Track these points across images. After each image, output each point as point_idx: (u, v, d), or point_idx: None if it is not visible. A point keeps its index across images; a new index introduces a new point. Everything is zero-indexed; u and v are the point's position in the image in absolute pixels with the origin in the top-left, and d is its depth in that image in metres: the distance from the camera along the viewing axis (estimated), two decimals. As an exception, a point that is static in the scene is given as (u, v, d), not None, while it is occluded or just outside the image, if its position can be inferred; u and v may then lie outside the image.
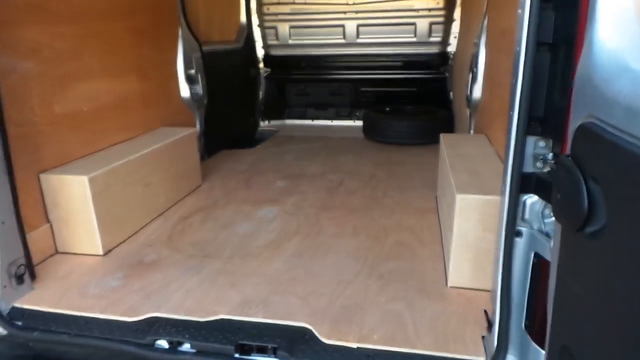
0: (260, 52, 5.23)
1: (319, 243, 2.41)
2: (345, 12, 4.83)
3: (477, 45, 3.17)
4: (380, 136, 4.42)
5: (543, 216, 1.37)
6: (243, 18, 4.90)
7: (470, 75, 3.34)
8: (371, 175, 3.51)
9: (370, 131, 4.56)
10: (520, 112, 1.30)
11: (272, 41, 5.17)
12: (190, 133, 3.19)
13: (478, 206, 1.84)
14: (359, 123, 5.24)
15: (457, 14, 4.62)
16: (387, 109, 4.84)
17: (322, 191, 3.18)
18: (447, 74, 4.90)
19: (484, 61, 3.07)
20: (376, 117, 4.47)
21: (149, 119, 3.16)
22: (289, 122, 5.52)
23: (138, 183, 2.58)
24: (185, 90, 3.62)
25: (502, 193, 1.43)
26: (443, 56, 4.84)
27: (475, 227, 1.86)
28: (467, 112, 3.51)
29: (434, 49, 4.84)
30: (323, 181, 3.40)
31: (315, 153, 4.18)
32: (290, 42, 5.12)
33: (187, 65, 3.63)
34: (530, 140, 1.34)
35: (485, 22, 3.07)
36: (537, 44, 1.25)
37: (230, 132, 4.62)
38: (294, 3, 4.93)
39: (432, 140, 4.33)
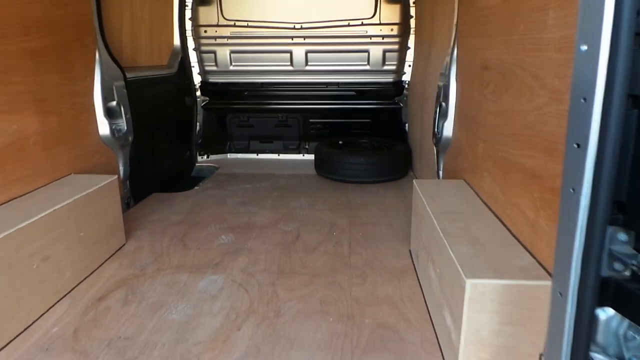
0: (197, 79, 4.66)
1: (279, 330, 1.87)
2: (292, 38, 4.41)
3: (446, 77, 2.84)
4: (336, 174, 3.98)
5: (626, 339, 0.95)
6: (177, 41, 4.33)
7: (438, 110, 3.00)
8: (331, 223, 3.04)
9: (323, 168, 4.11)
10: (599, 194, 0.88)
11: (210, 67, 4.63)
12: (109, 182, 2.55)
13: (495, 294, 1.41)
14: (309, 157, 4.82)
15: (411, 41, 4.35)
16: (340, 142, 4.44)
17: (276, 248, 2.66)
18: (401, 105, 4.61)
19: (455, 96, 2.74)
20: (330, 152, 4.03)
21: (54, 164, 2.50)
22: (231, 156, 4.96)
23: (32, 258, 1.92)
24: (104, 127, 2.98)
25: (555, 304, 1.00)
26: (398, 85, 4.55)
27: (492, 320, 1.43)
28: (434, 149, 3.16)
29: (389, 78, 4.53)
30: (276, 233, 2.88)
31: (263, 195, 3.65)
32: (231, 68, 4.60)
33: (107, 96, 3.00)
34: (607, 232, 0.93)
35: (455, 52, 2.75)
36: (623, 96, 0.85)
37: (162, 172, 3.98)
38: (234, 26, 4.44)
39: (391, 177, 3.99)
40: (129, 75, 3.30)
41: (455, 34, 2.75)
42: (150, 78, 3.76)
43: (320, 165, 4.16)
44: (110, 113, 3.05)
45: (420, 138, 3.80)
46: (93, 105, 2.90)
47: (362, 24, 4.32)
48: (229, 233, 2.88)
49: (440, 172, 3.06)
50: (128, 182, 3.31)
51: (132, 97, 3.27)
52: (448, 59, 2.82)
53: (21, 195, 2.21)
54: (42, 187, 2.36)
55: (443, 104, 2.93)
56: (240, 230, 2.92)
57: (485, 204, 2.10)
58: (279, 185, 3.97)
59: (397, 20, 4.31)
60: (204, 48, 4.54)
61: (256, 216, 3.18)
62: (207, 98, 4.74)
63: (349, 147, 4.32)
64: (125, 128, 3.19)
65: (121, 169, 3.20)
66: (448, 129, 2.83)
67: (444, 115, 2.92)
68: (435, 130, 3.07)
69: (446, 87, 2.84)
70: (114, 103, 3.09)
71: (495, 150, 2.04)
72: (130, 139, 3.26)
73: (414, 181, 2.52)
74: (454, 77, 2.75)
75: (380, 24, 4.32)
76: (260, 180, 4.12)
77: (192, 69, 4.55)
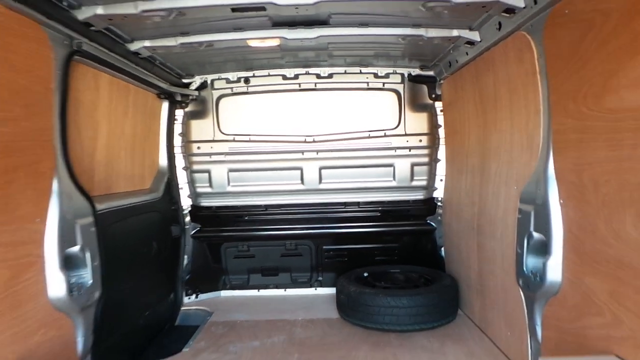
0: (186, 203, 3.85)
1: None
2: (303, 152, 3.75)
3: (539, 199, 2.11)
4: (371, 321, 3.04)
5: None
6: (163, 160, 3.59)
7: (526, 243, 2.23)
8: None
9: (351, 312, 3.17)
10: None
11: (203, 188, 3.86)
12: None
13: None
14: (323, 291, 3.98)
15: (442, 152, 3.74)
16: (365, 274, 3.56)
17: None
18: (434, 225, 3.85)
19: (564, 226, 1.98)
20: (360, 292, 3.12)
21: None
22: (226, 294, 4.00)
23: None
24: (58, 285, 2.05)
25: None
26: (429, 203, 3.84)
27: None
28: (520, 294, 2.32)
29: (419, 195, 3.83)
30: None
31: (280, 363, 2.65)
32: (229, 189, 3.84)
33: (66, 241, 2.12)
34: None
35: (551, 168, 2.05)
36: None
37: (136, 329, 2.96)
38: (234, 140, 3.76)
39: (442, 321, 3.07)
40: (100, 206, 2.47)
41: (548, 144, 2.07)
42: (128, 207, 2.92)
43: (346, 308, 3.23)
44: (69, 263, 2.15)
45: (479, 271, 2.97)
46: (42, 257, 1.99)
47: (385, 135, 3.72)
48: None
49: (538, 328, 2.19)
50: (89, 357, 2.29)
51: (103, 237, 2.40)
52: (540, 176, 2.11)
53: None
54: None
55: (536, 234, 2.16)
56: None
57: None
58: (297, 340, 2.98)
59: (424, 130, 3.73)
60: (196, 167, 3.81)
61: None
62: (199, 225, 3.90)
63: (379, 280, 3.43)
64: (90, 281, 2.27)
65: (80, 341, 2.21)
66: (555, 271, 2.02)
67: (540, 250, 2.14)
68: (524, 269, 2.26)
69: (541, 213, 2.09)
70: (76, 249, 2.20)
71: None
72: (97, 295, 2.32)
73: (541, 363, 1.62)
74: (557, 200, 2.01)
75: (405, 134, 3.72)
76: (269, 331, 3.14)
77: (181, 191, 3.76)
